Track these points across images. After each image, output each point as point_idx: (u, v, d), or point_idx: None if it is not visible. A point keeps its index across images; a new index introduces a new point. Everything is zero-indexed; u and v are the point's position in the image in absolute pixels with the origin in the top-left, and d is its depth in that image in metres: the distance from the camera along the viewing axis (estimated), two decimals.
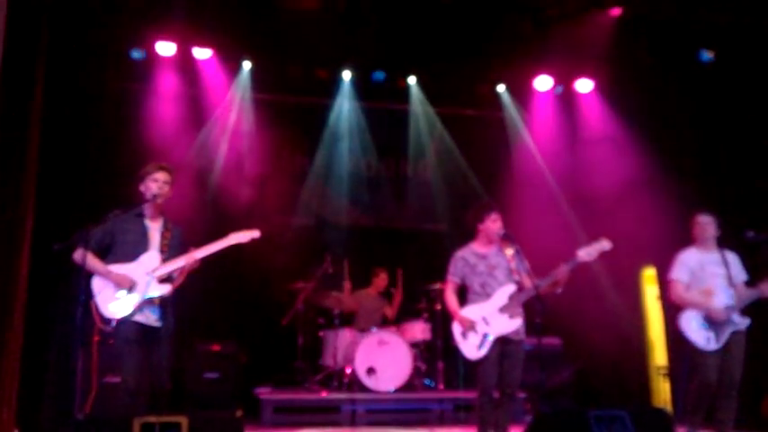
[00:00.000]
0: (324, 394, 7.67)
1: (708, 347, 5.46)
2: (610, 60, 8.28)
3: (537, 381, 7.76)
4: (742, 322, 5.51)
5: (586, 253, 5.20)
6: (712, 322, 5.50)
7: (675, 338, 5.75)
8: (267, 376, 8.26)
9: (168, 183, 5.03)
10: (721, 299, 5.54)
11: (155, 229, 5.05)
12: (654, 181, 8.11)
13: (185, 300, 5.46)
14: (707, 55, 7.89)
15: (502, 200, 8.43)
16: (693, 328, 5.53)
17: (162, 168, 5.03)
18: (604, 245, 5.23)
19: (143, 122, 8.11)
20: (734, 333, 5.49)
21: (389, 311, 8.76)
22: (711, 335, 5.47)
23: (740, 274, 5.69)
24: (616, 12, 7.63)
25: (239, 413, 4.24)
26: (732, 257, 5.73)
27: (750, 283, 5.64)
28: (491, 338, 5.28)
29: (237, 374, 7.78)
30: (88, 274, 4.85)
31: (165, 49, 8.11)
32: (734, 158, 7.61)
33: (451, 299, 5.49)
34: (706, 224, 5.69)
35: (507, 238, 5.41)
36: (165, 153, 7.74)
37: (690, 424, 5.51)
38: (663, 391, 8.12)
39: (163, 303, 4.96)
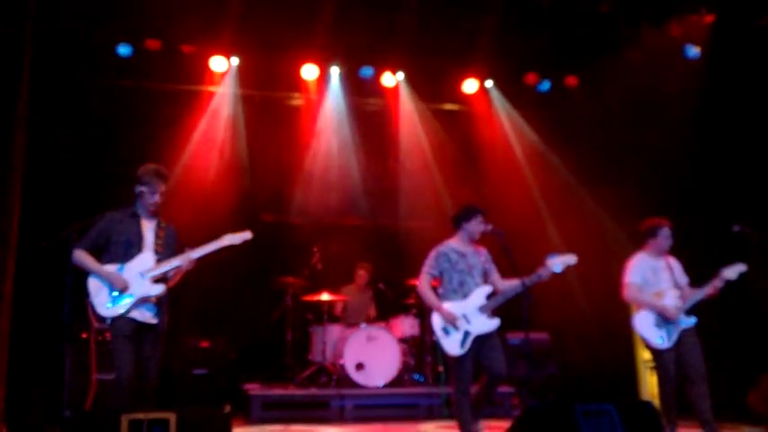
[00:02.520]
0: (313, 390, 7.68)
1: (662, 346, 5.74)
2: (596, 56, 8.32)
3: (524, 375, 7.82)
4: (689, 321, 5.80)
5: (554, 263, 5.44)
6: (664, 321, 5.78)
7: None
8: (256, 372, 8.28)
9: (164, 191, 5.10)
10: (670, 301, 5.84)
11: (149, 228, 5.09)
12: (642, 176, 8.15)
13: (174, 296, 5.46)
14: (693, 51, 7.93)
15: (489, 195, 8.50)
16: (646, 328, 5.82)
17: (162, 178, 5.07)
18: (570, 259, 5.49)
19: (131, 119, 8.07)
20: (684, 331, 5.77)
21: (372, 312, 8.78)
22: (664, 333, 5.76)
23: (682, 277, 6.01)
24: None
25: (228, 409, 4.23)
26: (675, 263, 6.03)
27: (692, 284, 5.94)
28: (472, 336, 5.41)
29: (226, 370, 7.79)
30: (76, 272, 4.86)
31: (153, 45, 8.06)
32: (720, 153, 7.65)
33: (430, 292, 5.61)
34: (668, 237, 5.96)
35: (497, 235, 5.55)
36: (153, 151, 7.73)
37: (666, 420, 5.68)
38: (650, 385, 8.17)
39: (159, 302, 5.01)
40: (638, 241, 6.06)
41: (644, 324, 5.83)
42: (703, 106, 7.68)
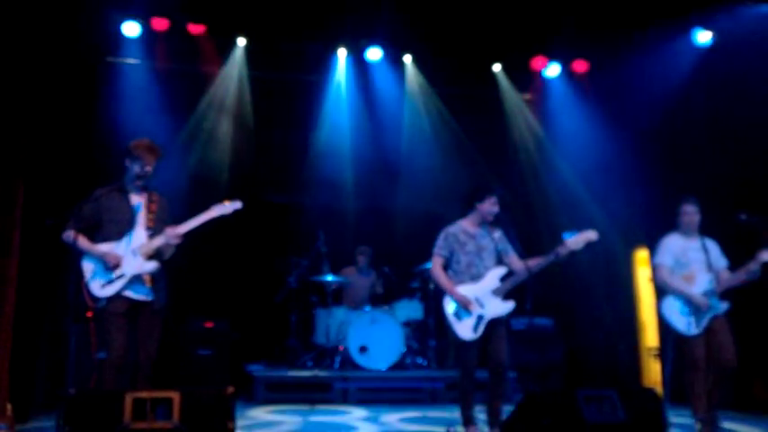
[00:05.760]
0: (316, 372, 7.71)
1: (689, 332, 5.58)
2: (607, 42, 8.25)
3: (528, 361, 7.84)
4: (721, 307, 5.63)
5: (574, 242, 5.21)
6: (694, 306, 5.61)
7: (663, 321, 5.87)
8: (260, 354, 8.32)
9: (155, 167, 4.98)
10: (701, 284, 5.68)
11: (139, 203, 4.98)
12: (647, 162, 8.11)
13: (179, 277, 5.46)
14: (703, 36, 7.86)
15: (497, 180, 8.48)
16: (674, 313, 5.66)
17: (154, 153, 4.95)
18: (591, 236, 5.25)
19: (137, 98, 8.06)
20: (714, 317, 5.60)
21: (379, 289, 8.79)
22: (692, 320, 5.59)
23: (720, 260, 5.83)
24: None
25: (231, 390, 4.24)
26: (711, 244, 5.85)
27: (732, 267, 5.75)
28: (485, 320, 5.31)
29: (230, 352, 7.82)
30: (79, 251, 4.84)
31: (159, 24, 8.04)
32: (726, 140, 7.59)
33: (443, 275, 5.48)
34: (693, 213, 5.80)
35: (496, 222, 5.48)
36: (159, 129, 7.73)
37: (695, 408, 5.55)
38: (653, 372, 8.18)
39: (154, 279, 4.93)
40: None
41: (671, 310, 5.67)
42: (714, 92, 7.61)
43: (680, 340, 5.64)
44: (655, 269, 5.81)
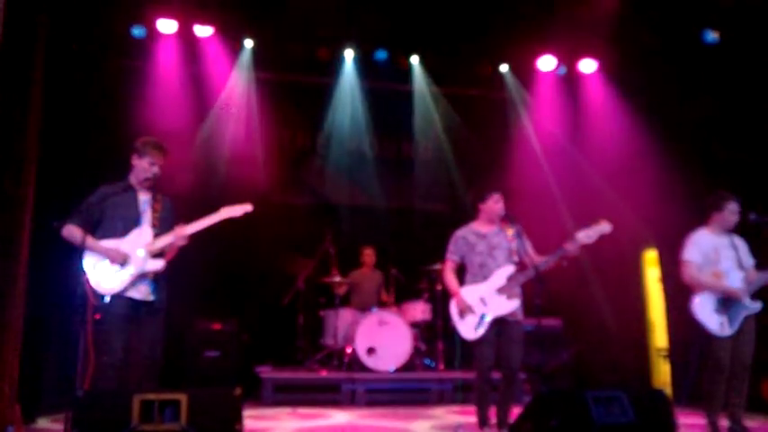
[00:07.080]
0: (324, 373, 7.71)
1: (722, 333, 5.37)
2: (614, 40, 8.22)
3: (537, 362, 7.81)
4: (755, 306, 5.44)
5: (586, 235, 5.15)
6: (727, 305, 5.42)
7: (678, 321, 5.73)
8: (268, 355, 8.32)
9: (162, 165, 4.96)
10: (733, 283, 5.47)
11: (145, 202, 4.95)
12: (656, 162, 8.07)
13: (187, 278, 5.46)
14: (712, 36, 7.82)
15: (503, 180, 8.46)
16: (707, 313, 5.43)
17: (162, 152, 4.94)
18: (604, 228, 5.18)
19: (144, 100, 8.08)
20: (745, 318, 5.42)
21: (385, 297, 8.77)
22: (725, 320, 5.38)
23: (748, 258, 5.63)
24: None
25: (238, 391, 4.24)
26: (740, 242, 5.67)
27: (758, 266, 5.59)
28: (488, 319, 5.28)
29: (238, 353, 7.83)
30: (84, 249, 4.78)
31: (167, 26, 8.06)
32: (736, 140, 7.55)
33: (451, 278, 5.50)
34: (736, 213, 5.61)
35: (508, 220, 5.43)
36: (166, 131, 7.74)
37: (708, 410, 5.42)
38: (663, 373, 8.14)
39: (156, 278, 4.88)
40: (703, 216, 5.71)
41: (704, 308, 5.41)
42: (719, 91, 7.58)
43: (709, 340, 5.41)
44: (683, 266, 5.57)
